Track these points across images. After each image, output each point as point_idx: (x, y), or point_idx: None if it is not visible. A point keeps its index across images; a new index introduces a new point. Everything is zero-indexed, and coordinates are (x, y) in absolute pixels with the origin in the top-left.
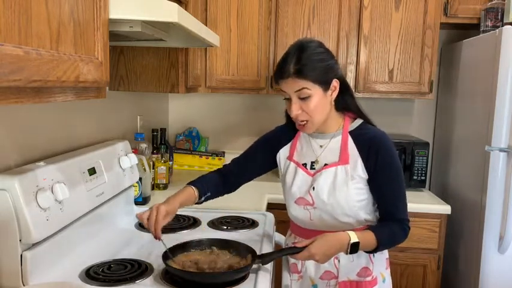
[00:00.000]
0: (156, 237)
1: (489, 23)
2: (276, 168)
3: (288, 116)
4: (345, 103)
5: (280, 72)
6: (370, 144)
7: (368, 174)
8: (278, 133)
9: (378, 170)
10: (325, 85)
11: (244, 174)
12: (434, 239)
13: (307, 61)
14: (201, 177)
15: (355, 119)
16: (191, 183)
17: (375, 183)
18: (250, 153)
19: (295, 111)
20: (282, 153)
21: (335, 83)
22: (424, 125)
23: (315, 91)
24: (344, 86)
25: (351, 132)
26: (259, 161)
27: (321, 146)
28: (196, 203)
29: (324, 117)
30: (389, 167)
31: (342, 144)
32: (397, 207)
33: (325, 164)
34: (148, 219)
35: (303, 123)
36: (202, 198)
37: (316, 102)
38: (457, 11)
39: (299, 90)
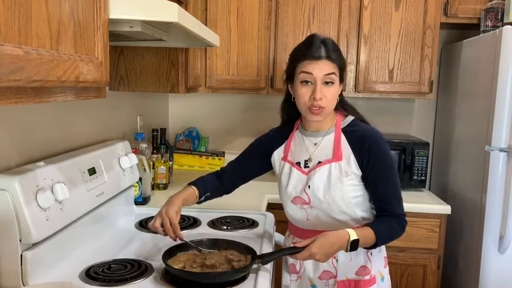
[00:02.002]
0: (178, 239)
1: (489, 23)
2: (272, 169)
3: (284, 116)
4: (338, 101)
5: (311, 53)
6: (362, 141)
7: (361, 170)
8: (271, 136)
9: (371, 167)
10: (342, 77)
11: (239, 177)
12: (434, 239)
13: (334, 49)
14: (200, 178)
15: (347, 116)
16: (191, 183)
17: (369, 180)
18: (245, 156)
19: (321, 95)
20: (276, 155)
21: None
22: (424, 125)
23: (337, 79)
24: None
25: (343, 130)
26: (254, 164)
27: (314, 144)
28: (197, 203)
29: (333, 107)
30: (382, 163)
31: (335, 141)
32: (392, 202)
33: (319, 162)
34: (163, 226)
35: (320, 109)
36: (203, 198)
37: (336, 90)
38: (457, 11)
39: (329, 74)
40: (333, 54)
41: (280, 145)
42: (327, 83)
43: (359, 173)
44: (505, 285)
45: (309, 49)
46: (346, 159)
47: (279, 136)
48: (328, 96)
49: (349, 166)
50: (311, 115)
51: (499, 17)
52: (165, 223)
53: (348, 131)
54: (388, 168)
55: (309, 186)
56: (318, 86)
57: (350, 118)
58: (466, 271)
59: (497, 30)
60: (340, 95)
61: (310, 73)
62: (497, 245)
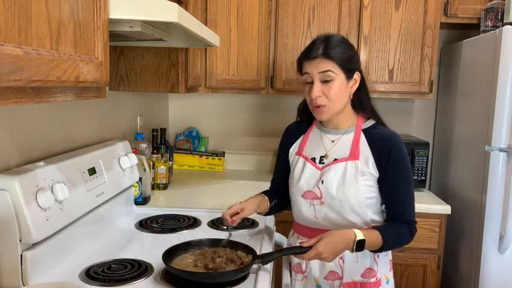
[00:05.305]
0: (228, 224)
1: (489, 23)
2: None
3: (300, 113)
4: (360, 102)
5: (309, 53)
6: (384, 144)
7: (379, 172)
8: (288, 133)
9: (388, 171)
10: (349, 73)
11: (284, 183)
12: (434, 239)
13: (335, 45)
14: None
15: (369, 119)
16: (258, 194)
17: (384, 184)
18: (277, 166)
19: (316, 92)
20: (292, 150)
21: (356, 76)
22: (424, 125)
23: (339, 76)
24: (362, 82)
25: (364, 130)
26: (286, 168)
27: (332, 141)
28: (269, 209)
29: (342, 106)
30: (401, 168)
31: (354, 140)
32: (405, 208)
33: (335, 159)
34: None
35: (320, 107)
36: (272, 203)
37: (338, 87)
38: (457, 11)
39: (324, 71)
40: (332, 51)
41: (297, 139)
42: (325, 81)
43: (376, 174)
44: (505, 285)
45: (307, 49)
46: (364, 159)
47: (296, 131)
48: (328, 93)
49: (367, 167)
50: (316, 114)
51: (499, 17)
52: (230, 211)
53: (369, 132)
54: (405, 174)
55: (322, 182)
56: (314, 84)
57: (372, 121)
58: (466, 271)
59: (497, 30)
60: (363, 96)
61: (307, 72)
62: (497, 245)
